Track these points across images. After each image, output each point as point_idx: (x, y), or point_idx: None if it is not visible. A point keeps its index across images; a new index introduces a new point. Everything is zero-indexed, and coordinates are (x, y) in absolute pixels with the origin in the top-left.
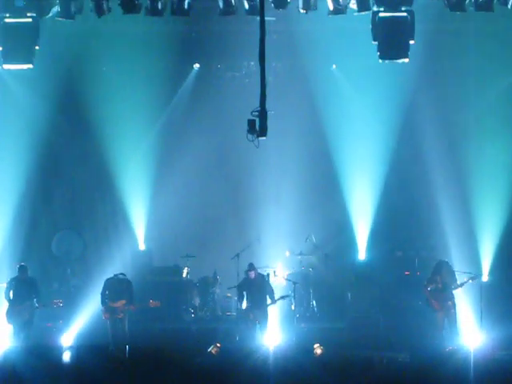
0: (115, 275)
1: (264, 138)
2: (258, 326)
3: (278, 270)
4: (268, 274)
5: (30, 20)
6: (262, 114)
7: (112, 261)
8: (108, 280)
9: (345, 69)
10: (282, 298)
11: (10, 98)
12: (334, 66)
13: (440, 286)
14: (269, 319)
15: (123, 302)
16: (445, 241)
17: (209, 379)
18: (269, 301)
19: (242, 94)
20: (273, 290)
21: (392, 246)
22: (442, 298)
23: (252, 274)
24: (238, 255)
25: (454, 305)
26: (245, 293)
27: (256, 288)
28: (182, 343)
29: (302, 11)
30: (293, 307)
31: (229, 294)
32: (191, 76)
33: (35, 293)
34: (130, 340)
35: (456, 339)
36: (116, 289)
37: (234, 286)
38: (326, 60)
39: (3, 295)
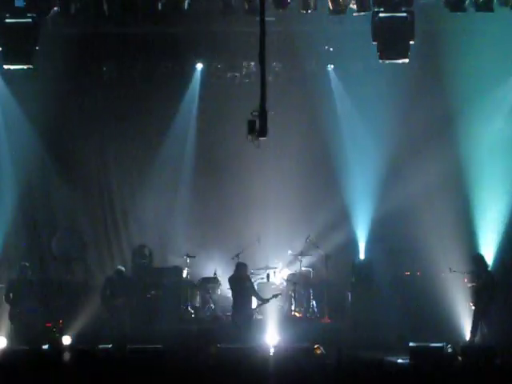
0: (115, 271)
1: (264, 138)
2: (241, 327)
3: (278, 270)
4: (268, 275)
5: (29, 20)
6: (262, 114)
7: (112, 261)
8: (108, 279)
9: (344, 69)
10: (274, 296)
11: (10, 97)
12: (331, 67)
13: (468, 283)
14: (252, 321)
15: (123, 299)
16: (445, 240)
17: (209, 379)
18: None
19: (242, 94)
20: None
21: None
22: (471, 295)
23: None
24: (238, 255)
25: (475, 303)
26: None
27: (243, 289)
28: (181, 343)
29: (301, 11)
30: (293, 307)
31: (229, 294)
32: (196, 76)
33: (35, 293)
34: (130, 340)
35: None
36: (116, 287)
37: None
38: (326, 60)
39: (3, 297)
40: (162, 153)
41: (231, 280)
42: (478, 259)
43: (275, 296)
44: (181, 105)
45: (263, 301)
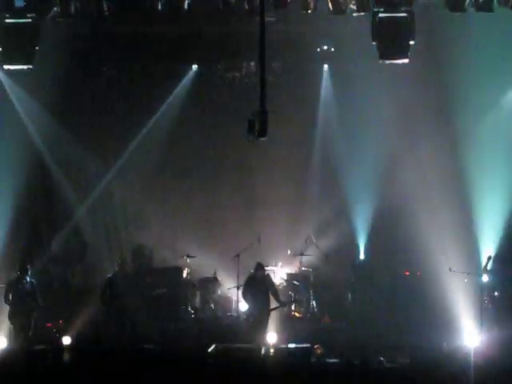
0: (117, 263)
1: (264, 138)
2: (259, 326)
3: (278, 270)
4: (268, 274)
5: (29, 20)
6: (262, 114)
7: (112, 261)
8: (109, 278)
9: (344, 69)
10: (285, 304)
11: (9, 97)
12: (327, 67)
13: None
14: (269, 320)
15: (123, 299)
16: (445, 239)
17: (209, 379)
18: (273, 303)
19: (242, 93)
20: (277, 291)
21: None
22: None
23: (260, 274)
24: (238, 255)
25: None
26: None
27: (261, 288)
28: (182, 343)
29: (301, 11)
30: (293, 307)
31: (229, 294)
32: (189, 76)
33: (34, 294)
34: (130, 340)
35: None
36: (116, 286)
37: (234, 287)
38: (326, 60)
39: (2, 298)
40: (161, 153)
41: (251, 279)
42: None
43: (290, 303)
44: (180, 105)
45: (281, 303)
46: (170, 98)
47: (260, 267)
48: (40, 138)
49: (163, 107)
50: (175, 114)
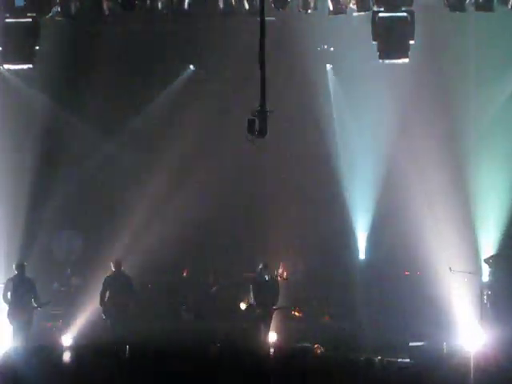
0: (114, 262)
1: (264, 137)
2: (262, 325)
3: (279, 269)
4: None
5: (30, 20)
6: (262, 113)
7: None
8: (107, 278)
9: (344, 69)
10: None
11: (10, 97)
12: (329, 66)
13: None
14: (271, 319)
15: (123, 298)
16: (444, 239)
17: (209, 379)
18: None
19: (241, 93)
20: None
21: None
22: None
23: (266, 274)
24: (237, 254)
25: None
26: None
27: (266, 288)
28: (182, 343)
29: (301, 11)
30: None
31: (229, 293)
32: (188, 75)
33: (33, 293)
34: (130, 340)
35: None
36: (116, 286)
37: (234, 286)
38: (326, 60)
39: (1, 297)
40: (161, 152)
41: (256, 278)
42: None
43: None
44: (179, 105)
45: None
46: (169, 98)
47: (265, 267)
48: (39, 136)
49: (162, 107)
50: (175, 114)
